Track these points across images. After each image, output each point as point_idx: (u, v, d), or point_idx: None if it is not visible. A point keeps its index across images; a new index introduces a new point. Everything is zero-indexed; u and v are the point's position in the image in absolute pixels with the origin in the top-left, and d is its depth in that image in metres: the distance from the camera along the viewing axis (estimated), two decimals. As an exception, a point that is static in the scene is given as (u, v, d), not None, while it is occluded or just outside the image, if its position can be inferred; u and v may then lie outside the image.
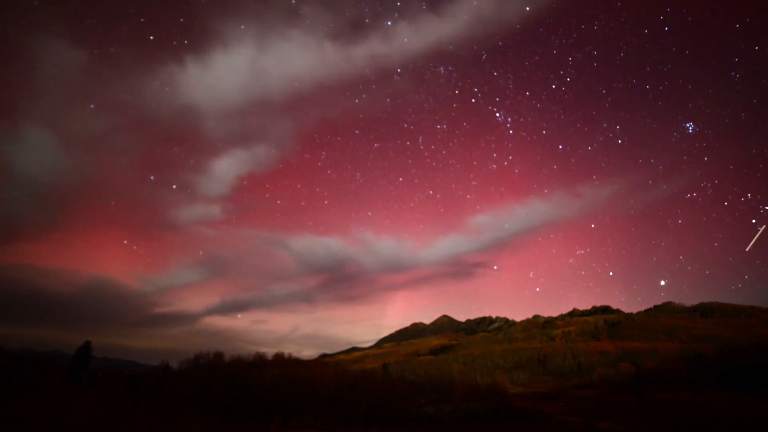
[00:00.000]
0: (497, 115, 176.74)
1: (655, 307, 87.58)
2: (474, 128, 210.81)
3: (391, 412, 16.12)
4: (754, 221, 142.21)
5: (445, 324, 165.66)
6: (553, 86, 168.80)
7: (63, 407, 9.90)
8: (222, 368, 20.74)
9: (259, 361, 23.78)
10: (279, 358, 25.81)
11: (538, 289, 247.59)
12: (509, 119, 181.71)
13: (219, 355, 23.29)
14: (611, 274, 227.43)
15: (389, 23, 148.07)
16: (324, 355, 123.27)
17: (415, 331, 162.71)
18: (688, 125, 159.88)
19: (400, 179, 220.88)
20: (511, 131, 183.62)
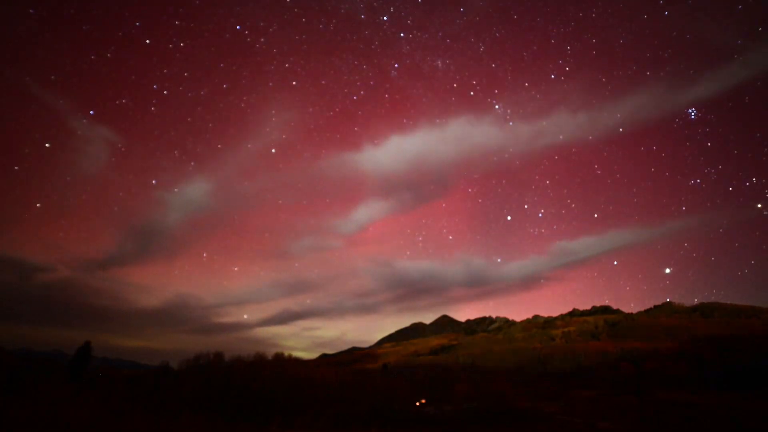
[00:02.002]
0: (496, 107, 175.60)
1: (655, 307, 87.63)
2: (474, 121, 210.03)
3: (391, 412, 16.12)
4: (759, 206, 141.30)
5: (445, 324, 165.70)
6: (552, 76, 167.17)
7: (63, 407, 9.90)
8: (222, 368, 20.73)
9: (259, 361, 23.77)
10: (279, 358, 25.81)
11: (542, 281, 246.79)
12: (509, 111, 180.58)
13: (219, 355, 23.29)
14: (615, 263, 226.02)
15: (385, 18, 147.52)
16: (324, 355, 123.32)
17: (415, 331, 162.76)
18: (690, 111, 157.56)
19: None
20: (510, 123, 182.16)
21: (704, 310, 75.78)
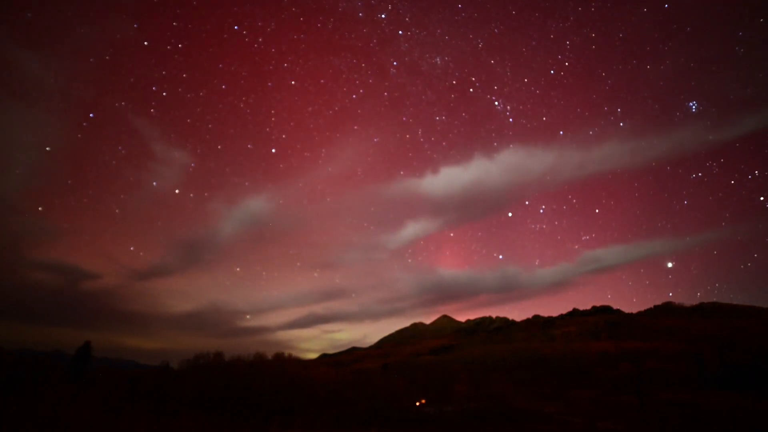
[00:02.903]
0: (496, 103, 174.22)
1: (655, 307, 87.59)
2: (473, 118, 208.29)
3: (391, 412, 16.12)
4: (762, 198, 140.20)
5: (445, 324, 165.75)
6: (552, 71, 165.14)
7: (63, 407, 9.90)
8: (222, 368, 20.74)
9: (259, 361, 23.78)
10: (279, 358, 25.81)
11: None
12: (508, 107, 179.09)
13: (219, 355, 23.30)
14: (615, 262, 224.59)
15: (383, 16, 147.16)
16: (324, 355, 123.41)
17: (415, 331, 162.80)
18: (691, 104, 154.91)
19: (401, 173, 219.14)
20: (510, 119, 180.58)
21: (704, 310, 75.78)
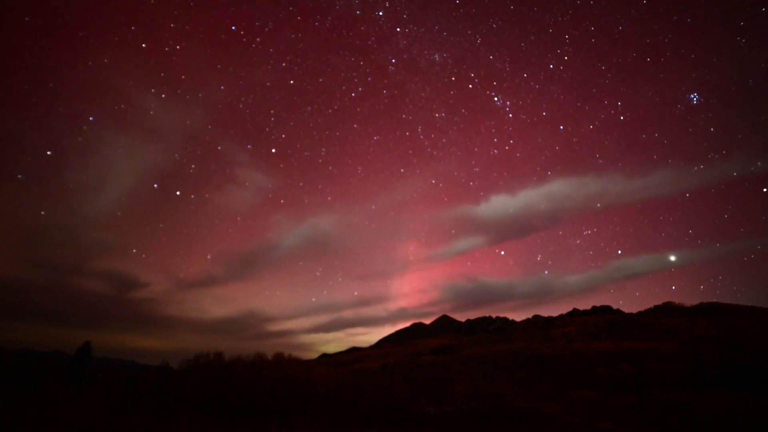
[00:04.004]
0: (495, 99, 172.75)
1: (655, 307, 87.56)
2: (473, 114, 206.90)
3: (391, 412, 16.12)
4: (765, 189, 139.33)
5: (445, 324, 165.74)
6: (551, 66, 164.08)
7: (63, 407, 9.91)
8: (222, 368, 20.74)
9: (259, 361, 23.78)
10: (279, 358, 25.81)
11: (547, 272, 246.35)
12: (508, 103, 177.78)
13: (219, 355, 23.30)
14: (620, 252, 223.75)
15: (380, 13, 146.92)
16: (324, 355, 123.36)
17: (415, 331, 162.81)
18: (692, 96, 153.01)
19: (402, 170, 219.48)
20: (510, 115, 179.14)
21: (704, 310, 75.77)
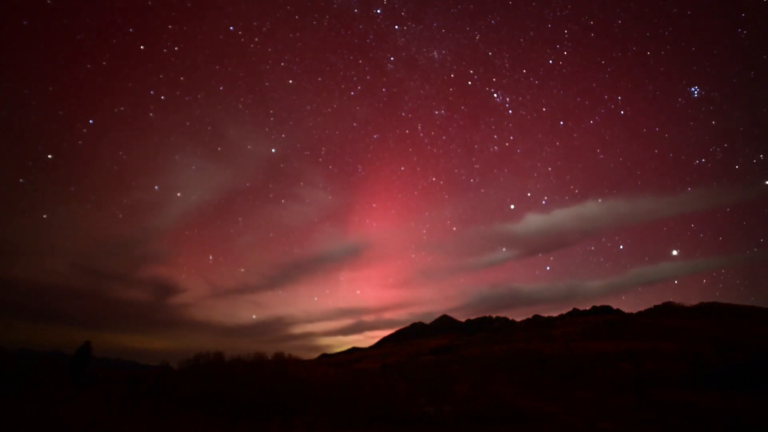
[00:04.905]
0: (495, 96, 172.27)
1: (655, 307, 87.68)
2: (472, 111, 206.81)
3: (391, 412, 16.12)
4: (767, 182, 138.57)
5: (445, 324, 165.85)
6: (550, 61, 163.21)
7: (63, 407, 9.91)
8: (222, 368, 20.73)
9: (259, 360, 23.77)
10: (279, 358, 25.80)
11: (548, 268, 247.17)
12: (507, 99, 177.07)
13: (219, 355, 23.29)
14: (621, 248, 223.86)
15: (378, 11, 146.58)
16: (324, 355, 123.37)
17: (415, 331, 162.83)
18: (693, 89, 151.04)
19: (402, 168, 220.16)
20: (510, 111, 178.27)
21: (704, 310, 75.80)
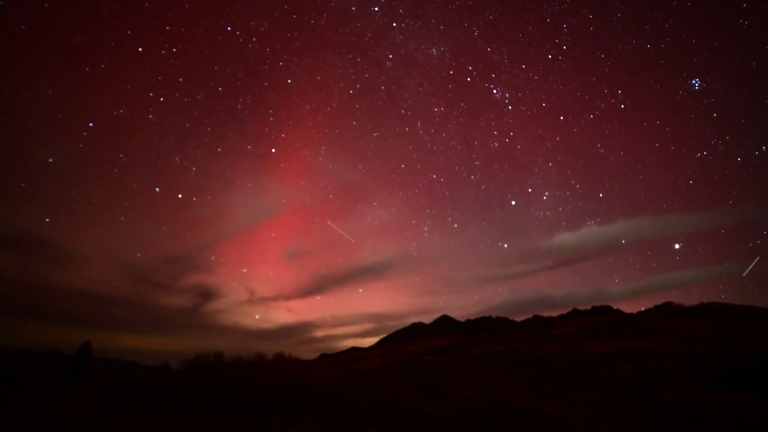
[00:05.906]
0: (494, 91, 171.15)
1: (655, 307, 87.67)
2: (472, 107, 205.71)
3: (391, 412, 16.13)
4: None
5: (445, 324, 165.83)
6: (550, 56, 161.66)
7: (63, 407, 9.91)
8: (222, 368, 20.73)
9: (259, 360, 23.78)
10: (279, 358, 25.81)
11: (550, 264, 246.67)
12: (507, 95, 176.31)
13: (219, 355, 23.29)
14: (624, 242, 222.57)
15: (376, 9, 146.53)
16: (324, 355, 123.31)
17: (415, 331, 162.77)
18: (694, 82, 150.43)
19: (403, 166, 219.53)
20: (510, 107, 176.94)
21: (704, 310, 75.79)
